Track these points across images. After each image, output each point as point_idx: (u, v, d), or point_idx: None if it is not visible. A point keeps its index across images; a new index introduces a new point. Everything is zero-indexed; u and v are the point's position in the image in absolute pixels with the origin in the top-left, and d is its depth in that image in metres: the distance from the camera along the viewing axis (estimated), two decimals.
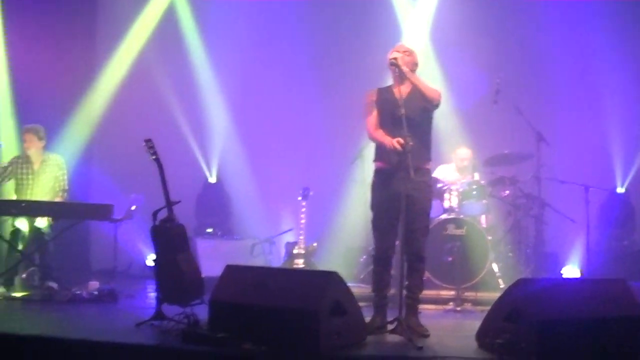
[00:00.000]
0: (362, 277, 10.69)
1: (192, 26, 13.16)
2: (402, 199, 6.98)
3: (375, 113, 7.44)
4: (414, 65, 7.43)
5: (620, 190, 12.25)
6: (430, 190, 7.53)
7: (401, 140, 6.95)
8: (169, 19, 12.99)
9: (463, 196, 10.36)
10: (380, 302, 7.40)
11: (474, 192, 10.39)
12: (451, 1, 12.52)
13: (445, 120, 11.14)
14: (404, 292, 7.19)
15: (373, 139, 7.44)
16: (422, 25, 12.65)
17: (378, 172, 7.49)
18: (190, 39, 13.15)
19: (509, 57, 12.39)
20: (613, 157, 12.28)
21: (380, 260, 7.42)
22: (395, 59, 7.26)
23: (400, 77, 7.30)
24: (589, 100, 12.31)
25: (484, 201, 10.48)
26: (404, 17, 12.81)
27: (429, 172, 7.54)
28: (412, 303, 7.36)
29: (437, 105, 7.35)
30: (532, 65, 12.51)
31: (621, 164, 12.24)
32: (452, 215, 10.14)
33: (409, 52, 7.47)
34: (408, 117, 6.99)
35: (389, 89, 7.48)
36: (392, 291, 7.68)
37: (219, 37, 12.86)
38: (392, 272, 7.68)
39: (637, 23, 12.09)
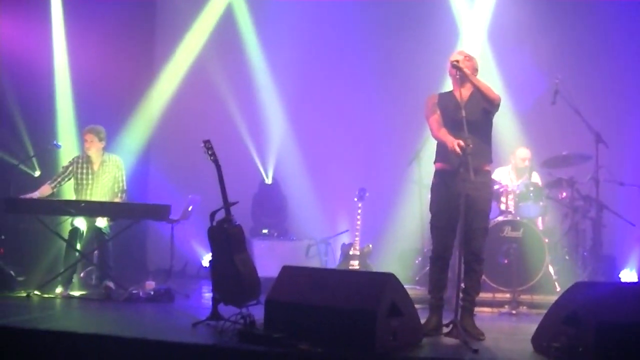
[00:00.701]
0: (417, 279, 10.67)
1: (250, 27, 13.22)
2: (462, 198, 6.99)
3: (438, 113, 7.46)
4: (474, 70, 7.45)
5: None
6: (490, 191, 7.56)
7: (462, 143, 6.96)
8: (227, 21, 13.07)
9: (520, 198, 10.31)
10: (436, 303, 7.40)
11: (531, 194, 10.32)
12: (509, 1, 12.44)
13: (502, 122, 11.09)
14: (460, 294, 7.18)
15: (436, 137, 7.46)
16: (480, 26, 12.59)
17: (438, 173, 7.50)
18: (248, 40, 13.21)
19: (567, 57, 12.27)
20: None
21: (437, 260, 7.43)
22: (457, 61, 7.30)
23: (461, 80, 7.32)
24: None
25: (541, 203, 10.40)
26: (461, 18, 12.75)
27: (489, 173, 7.54)
28: (468, 305, 7.36)
29: (497, 107, 7.38)
30: (590, 66, 12.37)
31: None
32: (509, 217, 10.09)
33: (469, 57, 7.52)
34: (469, 119, 7.04)
35: (449, 93, 7.54)
36: (448, 293, 7.65)
37: (277, 38, 12.91)
38: (449, 274, 7.67)
39: None
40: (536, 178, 10.90)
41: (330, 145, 12.63)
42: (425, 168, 10.64)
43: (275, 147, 13.07)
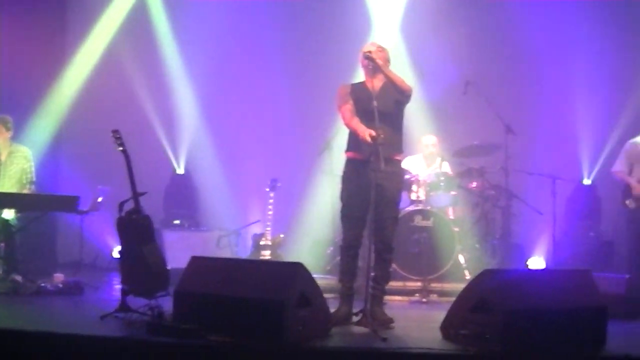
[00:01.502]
0: (328, 268, 10.68)
1: (162, 18, 13.04)
2: (373, 188, 6.98)
3: (350, 103, 7.43)
4: (386, 61, 7.47)
5: (587, 182, 12.31)
6: (400, 181, 7.61)
7: (373, 133, 6.95)
8: (139, 8, 12.85)
9: (430, 187, 10.40)
10: (346, 292, 7.38)
11: (442, 184, 10.43)
12: None
13: (413, 111, 11.14)
14: (370, 282, 7.19)
15: (348, 126, 7.43)
16: (393, 18, 12.63)
17: (349, 162, 7.51)
18: (161, 31, 13.02)
19: (479, 49, 12.42)
20: (580, 149, 12.34)
21: (347, 250, 7.42)
22: (370, 52, 7.30)
23: (373, 71, 7.32)
24: (557, 93, 12.35)
25: (452, 193, 10.53)
26: (374, 9, 12.76)
27: (399, 163, 7.56)
28: (378, 294, 7.37)
29: (409, 98, 7.40)
30: (502, 58, 12.54)
31: (588, 156, 12.31)
32: (420, 207, 10.17)
33: (381, 49, 7.53)
34: (380, 110, 7.03)
35: (361, 83, 7.53)
36: (359, 282, 7.65)
37: (189, 29, 12.77)
38: (360, 263, 7.68)
39: (609, 18, 12.13)
40: (447, 168, 10.99)
41: (242, 136, 12.56)
42: (337, 158, 10.61)
43: (187, 138, 12.95)
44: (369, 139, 6.97)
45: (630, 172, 10.16)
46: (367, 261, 7.08)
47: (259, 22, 12.72)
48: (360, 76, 7.67)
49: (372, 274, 7.29)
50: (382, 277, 7.43)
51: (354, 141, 7.39)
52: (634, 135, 10.38)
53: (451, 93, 11.29)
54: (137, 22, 12.82)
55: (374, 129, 6.96)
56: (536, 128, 12.00)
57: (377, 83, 7.32)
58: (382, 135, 6.92)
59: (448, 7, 12.30)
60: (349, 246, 7.41)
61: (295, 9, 12.80)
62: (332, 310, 7.00)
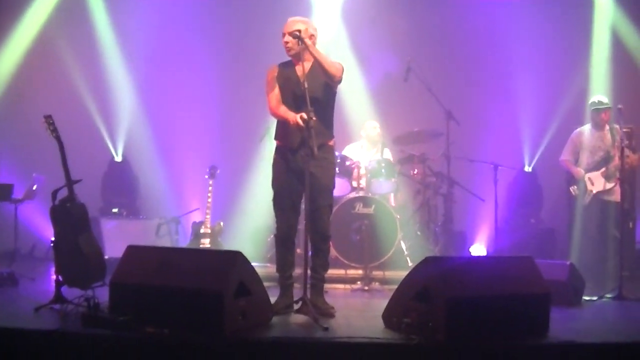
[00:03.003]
0: (269, 256, 10.56)
1: (99, 2, 12.80)
2: (306, 176, 6.85)
3: (277, 89, 7.30)
4: (311, 37, 7.21)
5: (528, 169, 12.43)
6: (333, 167, 7.43)
7: (304, 116, 6.78)
8: None
9: (372, 174, 10.33)
10: (285, 282, 7.29)
11: (383, 171, 10.36)
12: None
13: (354, 98, 11.11)
14: (309, 271, 7.08)
15: (276, 115, 7.29)
16: (334, 4, 12.56)
17: (279, 149, 7.37)
18: (97, 12, 12.77)
19: (421, 36, 12.52)
20: (521, 137, 12.51)
21: (282, 240, 7.32)
22: (299, 30, 7.08)
23: (302, 51, 7.10)
24: (499, 81, 12.52)
25: (393, 179, 10.46)
26: None
27: (332, 149, 7.41)
28: (317, 283, 7.28)
29: (339, 81, 7.21)
30: (443, 45, 12.65)
31: (529, 143, 12.45)
32: (361, 194, 10.11)
33: (305, 22, 7.29)
34: (310, 93, 6.86)
35: (289, 64, 7.33)
36: (298, 271, 7.54)
37: (126, 13, 12.57)
38: (298, 251, 7.58)
39: (550, 9, 12.19)
40: (388, 154, 10.96)
41: (181, 123, 12.40)
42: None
43: (125, 125, 12.76)
44: (301, 122, 6.81)
45: (576, 161, 10.31)
46: (305, 249, 6.97)
47: (195, 8, 12.59)
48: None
49: (311, 262, 7.20)
50: (320, 266, 7.32)
51: (282, 128, 7.27)
52: (574, 124, 10.52)
53: (392, 80, 11.27)
54: (73, 6, 12.55)
55: (305, 112, 6.78)
56: (478, 115, 12.11)
57: (306, 64, 7.14)
58: (314, 118, 6.74)
59: None
60: (283, 236, 7.31)
61: None
62: (273, 299, 6.89)
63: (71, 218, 7.30)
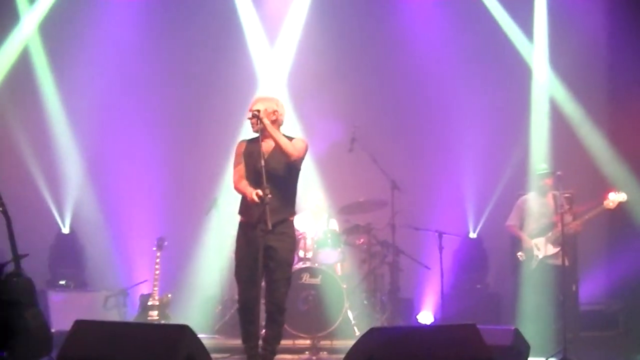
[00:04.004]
0: (217, 327, 10.61)
1: (47, 72, 12.75)
2: (260, 251, 6.94)
3: (242, 165, 7.40)
4: (277, 113, 7.39)
5: (473, 235, 12.54)
6: (292, 242, 7.53)
7: (260, 193, 6.91)
8: (22, 64, 12.57)
9: (318, 245, 10.44)
10: (250, 352, 7.29)
11: (329, 240, 10.47)
12: (309, 49, 12.65)
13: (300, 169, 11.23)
14: (260, 342, 7.13)
15: (236, 189, 7.40)
16: (279, 73, 12.73)
17: (240, 225, 7.46)
18: (45, 85, 12.72)
19: (365, 105, 12.67)
20: (465, 204, 12.61)
21: (243, 311, 7.34)
22: (258, 110, 7.23)
23: (262, 130, 7.24)
24: (442, 149, 12.71)
25: (339, 249, 10.55)
26: (260, 64, 12.85)
27: (292, 224, 7.51)
28: (268, 355, 7.32)
29: (296, 160, 7.34)
30: (388, 115, 12.83)
31: (473, 210, 12.57)
32: (307, 264, 10.18)
33: (270, 101, 7.47)
34: (270, 170, 7.02)
35: (255, 140, 7.38)
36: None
37: (74, 82, 12.50)
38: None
39: (491, 79, 12.50)
40: (334, 224, 11.04)
41: (128, 194, 12.36)
42: (224, 216, 10.67)
43: (73, 196, 12.64)
44: (255, 198, 6.94)
45: (522, 226, 10.52)
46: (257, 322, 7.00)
47: (145, 77, 12.59)
48: (246, 133, 7.61)
49: (263, 333, 7.25)
50: (273, 338, 7.37)
51: (244, 205, 7.37)
52: (516, 190, 10.75)
53: (337, 149, 11.41)
54: (21, 77, 12.52)
55: (261, 188, 6.91)
56: (422, 184, 12.28)
57: (270, 142, 7.28)
58: (269, 195, 6.86)
59: (333, 64, 12.49)
60: (243, 308, 7.33)
61: (181, 62, 12.77)
62: None
63: (17, 293, 7.27)
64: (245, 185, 7.26)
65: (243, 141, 7.57)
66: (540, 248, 10.37)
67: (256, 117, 7.21)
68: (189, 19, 12.80)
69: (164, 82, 12.64)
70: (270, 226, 6.85)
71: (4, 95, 12.45)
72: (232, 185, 7.53)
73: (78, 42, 12.44)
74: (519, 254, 10.52)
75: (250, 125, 7.44)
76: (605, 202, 9.95)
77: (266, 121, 7.21)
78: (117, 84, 12.51)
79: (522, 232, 10.57)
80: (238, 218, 7.50)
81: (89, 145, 12.60)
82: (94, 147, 12.60)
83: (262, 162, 6.99)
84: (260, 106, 7.31)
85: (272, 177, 7.03)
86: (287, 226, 7.40)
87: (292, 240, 7.52)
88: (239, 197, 7.45)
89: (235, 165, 7.48)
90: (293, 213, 7.52)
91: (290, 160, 7.29)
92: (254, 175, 7.25)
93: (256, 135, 7.39)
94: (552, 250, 10.28)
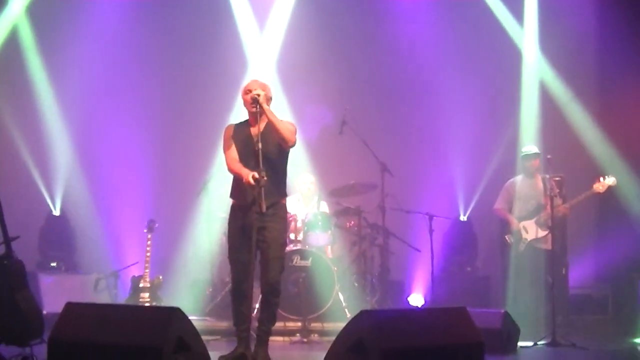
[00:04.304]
0: (208, 309, 10.64)
1: (35, 53, 12.73)
2: (254, 231, 6.95)
3: (233, 147, 7.39)
4: (269, 100, 7.42)
5: (463, 218, 12.57)
6: (284, 223, 7.57)
7: (256, 175, 6.90)
8: (12, 46, 12.54)
9: (308, 227, 10.46)
10: (241, 334, 7.28)
11: (319, 223, 10.49)
12: (298, 34, 12.66)
13: (290, 151, 11.22)
14: (256, 323, 7.16)
15: (231, 171, 7.38)
16: (269, 58, 12.73)
17: (233, 208, 7.46)
18: (33, 66, 12.65)
19: (355, 89, 12.69)
20: (456, 187, 12.64)
21: (235, 293, 7.33)
22: (258, 95, 7.21)
23: (259, 114, 7.23)
24: (433, 132, 12.74)
25: (329, 232, 10.58)
26: (250, 48, 12.85)
27: (284, 206, 7.53)
28: (263, 336, 7.31)
29: (293, 145, 7.39)
30: (378, 98, 12.87)
31: (463, 193, 12.61)
32: (298, 247, 10.23)
33: (264, 87, 7.46)
34: (264, 153, 7.01)
35: (244, 124, 7.47)
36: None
37: (63, 65, 12.46)
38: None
39: (482, 63, 12.54)
40: (324, 207, 11.08)
41: (119, 176, 12.35)
42: (214, 199, 10.68)
43: (63, 178, 12.63)
44: (252, 181, 6.93)
45: (510, 209, 10.56)
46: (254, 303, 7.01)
47: (134, 61, 12.59)
48: (237, 115, 7.62)
49: (258, 315, 7.27)
50: (267, 320, 7.36)
51: (237, 187, 7.36)
52: (506, 173, 10.78)
53: (327, 132, 11.44)
54: (9, 58, 12.49)
55: (257, 171, 6.91)
56: (412, 167, 12.32)
57: (261, 125, 7.23)
58: (265, 178, 6.87)
59: (323, 49, 12.51)
60: (236, 289, 7.32)
61: (171, 47, 12.76)
62: (215, 353, 6.93)
63: (8, 275, 7.29)
64: (240, 166, 7.24)
65: (231, 125, 7.58)
66: (528, 231, 10.43)
67: (256, 101, 7.19)
68: (180, 3, 12.79)
69: (153, 66, 12.63)
70: (264, 208, 6.87)
71: None
72: (223, 168, 7.53)
73: (67, 24, 12.41)
74: (507, 236, 10.58)
75: (240, 107, 7.46)
76: (595, 186, 10.00)
77: (266, 107, 7.23)
78: (107, 68, 12.49)
79: (511, 214, 10.61)
80: (229, 201, 7.51)
81: (79, 127, 12.58)
82: (84, 129, 12.58)
83: (259, 145, 6.99)
84: (260, 91, 7.30)
85: (265, 159, 7.03)
86: (279, 208, 7.41)
87: (284, 221, 7.55)
88: (230, 179, 7.46)
89: (227, 148, 7.45)
90: (284, 195, 7.53)
91: (287, 145, 7.32)
92: (246, 158, 7.26)
93: (243, 119, 7.49)
94: (540, 233, 10.35)
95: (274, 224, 7.27)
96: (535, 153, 10.57)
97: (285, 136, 7.25)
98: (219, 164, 8.03)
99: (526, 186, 10.60)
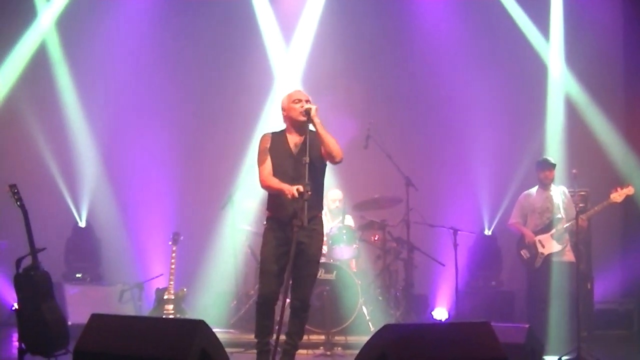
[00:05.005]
0: (232, 322, 10.66)
1: (63, 67, 12.80)
2: (293, 245, 6.89)
3: (269, 161, 7.29)
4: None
5: (488, 232, 12.54)
6: (321, 239, 7.48)
7: (301, 189, 6.85)
8: (40, 59, 12.61)
9: (333, 240, 10.47)
10: (262, 348, 7.30)
11: (344, 237, 10.50)
12: (323, 48, 12.72)
13: None
14: (283, 337, 7.14)
15: (268, 187, 7.28)
16: (295, 72, 12.76)
17: (270, 220, 7.41)
18: (61, 80, 12.78)
19: (380, 103, 12.73)
20: (480, 201, 12.61)
21: (263, 306, 7.30)
22: (310, 109, 7.18)
23: (301, 126, 7.26)
24: (457, 146, 12.73)
25: (354, 245, 10.59)
26: (276, 63, 12.90)
27: (321, 220, 7.49)
28: (290, 350, 7.34)
29: (340, 161, 7.38)
30: (402, 112, 12.88)
31: (488, 207, 12.57)
32: (322, 260, 10.19)
33: (308, 98, 7.42)
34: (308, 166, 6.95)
35: (281, 134, 7.43)
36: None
37: (90, 77, 12.58)
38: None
39: (507, 77, 12.54)
40: (349, 221, 11.09)
41: (145, 189, 12.43)
42: (239, 211, 10.72)
43: (89, 190, 12.70)
44: (297, 195, 6.86)
45: (524, 223, 10.49)
46: (281, 316, 6.96)
47: (161, 73, 12.67)
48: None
49: (286, 329, 7.27)
50: (296, 334, 7.38)
51: (275, 200, 7.30)
52: (531, 187, 10.69)
53: (352, 146, 11.43)
54: (38, 71, 12.58)
55: (302, 184, 6.86)
56: (437, 181, 12.33)
57: (297, 136, 7.29)
58: (309, 192, 6.83)
59: (348, 62, 12.60)
60: (264, 302, 7.28)
61: (200, 61, 12.84)
62: None
63: (35, 286, 7.36)
64: (277, 182, 7.15)
65: (267, 135, 7.47)
66: (544, 245, 10.26)
67: (308, 115, 7.16)
68: (206, 15, 12.88)
69: (179, 79, 12.72)
70: (306, 222, 6.85)
71: (21, 90, 12.52)
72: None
73: (94, 37, 12.51)
74: (523, 251, 10.46)
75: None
76: (612, 196, 9.78)
77: (317, 120, 7.18)
78: (134, 80, 12.56)
79: (526, 228, 10.53)
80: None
81: (106, 139, 12.67)
82: (111, 141, 12.66)
83: (307, 159, 6.95)
84: (311, 105, 7.26)
85: (310, 173, 6.97)
86: (317, 222, 7.37)
87: (321, 237, 7.48)
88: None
89: (263, 160, 7.33)
90: (322, 208, 7.50)
91: (335, 161, 7.30)
92: (283, 169, 7.23)
93: (279, 128, 7.48)
94: (557, 247, 10.16)
95: (313, 240, 7.27)
96: (551, 164, 10.47)
97: (334, 152, 7.22)
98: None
99: (541, 199, 10.44)
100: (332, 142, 7.23)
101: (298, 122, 7.29)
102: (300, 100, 7.32)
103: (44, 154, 12.45)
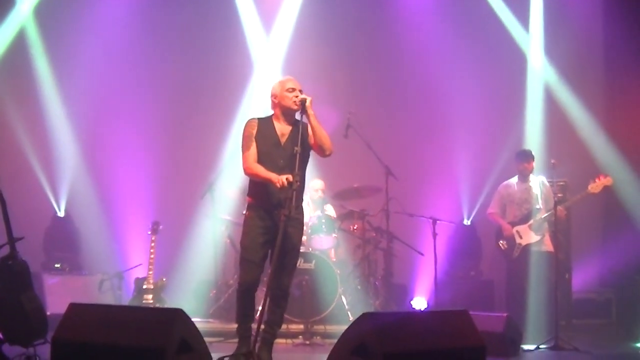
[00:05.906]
0: (211, 311, 10.66)
1: (41, 54, 12.73)
2: (279, 234, 6.84)
3: (254, 147, 7.19)
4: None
5: (467, 222, 12.59)
6: (302, 228, 7.45)
7: (290, 178, 6.79)
8: (19, 48, 12.54)
9: (312, 230, 10.48)
10: (244, 333, 7.26)
11: (323, 227, 10.52)
12: (304, 37, 12.72)
13: None
14: (262, 326, 7.10)
15: (253, 174, 7.17)
16: (275, 61, 12.75)
17: (252, 208, 7.29)
18: (40, 68, 12.71)
19: (360, 93, 12.72)
20: (460, 191, 12.66)
21: (244, 293, 7.25)
22: (305, 99, 7.09)
23: (291, 114, 7.20)
24: (437, 136, 12.74)
25: (333, 235, 10.60)
26: (256, 51, 12.88)
27: (302, 210, 7.45)
28: (269, 338, 7.30)
29: (329, 155, 7.30)
30: (383, 102, 12.90)
31: (467, 197, 12.62)
32: (302, 249, 10.18)
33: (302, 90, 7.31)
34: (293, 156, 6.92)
35: (268, 121, 7.33)
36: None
37: (69, 66, 12.50)
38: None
39: (487, 67, 12.56)
40: (330, 210, 11.10)
41: (124, 178, 12.38)
42: (218, 201, 10.69)
43: (68, 179, 12.65)
44: (286, 184, 6.81)
45: (503, 213, 10.53)
46: (263, 305, 6.93)
47: (140, 63, 12.65)
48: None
49: (265, 317, 7.25)
50: (275, 322, 7.35)
51: (259, 187, 7.21)
52: (510, 177, 10.74)
53: (333, 136, 11.37)
54: (16, 58, 12.52)
55: (292, 174, 6.82)
56: (417, 170, 12.32)
57: (285, 125, 7.22)
58: (298, 182, 6.81)
59: (329, 50, 12.58)
60: (246, 289, 7.24)
61: (177, 48, 12.81)
62: (215, 355, 6.93)
63: (13, 276, 7.30)
64: (263, 170, 7.07)
65: (254, 120, 7.35)
66: (522, 236, 10.31)
67: (303, 105, 7.08)
68: (185, 3, 12.84)
69: (159, 68, 12.68)
70: (293, 212, 6.82)
71: None
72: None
73: (74, 24, 12.46)
74: (501, 242, 10.51)
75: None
76: (590, 187, 9.81)
77: (311, 112, 7.10)
78: (112, 69, 12.52)
79: (504, 219, 10.57)
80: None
81: (84, 128, 12.61)
82: (89, 130, 12.61)
83: (299, 149, 6.90)
84: (306, 95, 7.16)
85: (294, 161, 6.93)
86: (300, 212, 7.34)
87: (302, 226, 7.45)
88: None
89: (248, 146, 7.22)
90: (303, 199, 7.47)
91: (325, 153, 7.24)
92: (269, 157, 7.15)
93: (264, 117, 7.38)
94: (534, 237, 10.24)
95: (296, 230, 7.24)
96: (530, 155, 10.51)
97: (326, 145, 7.17)
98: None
99: (520, 190, 10.51)
100: (325, 135, 7.18)
101: (290, 111, 7.21)
102: (294, 89, 7.22)
103: (23, 143, 12.36)
